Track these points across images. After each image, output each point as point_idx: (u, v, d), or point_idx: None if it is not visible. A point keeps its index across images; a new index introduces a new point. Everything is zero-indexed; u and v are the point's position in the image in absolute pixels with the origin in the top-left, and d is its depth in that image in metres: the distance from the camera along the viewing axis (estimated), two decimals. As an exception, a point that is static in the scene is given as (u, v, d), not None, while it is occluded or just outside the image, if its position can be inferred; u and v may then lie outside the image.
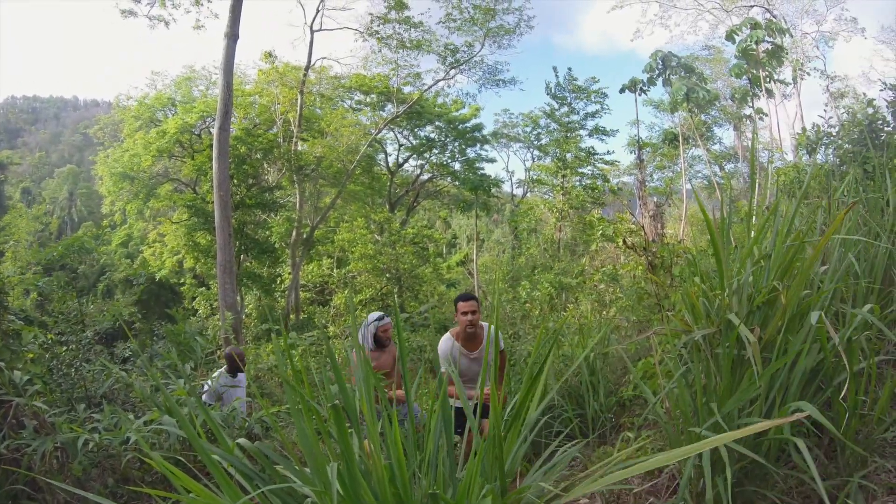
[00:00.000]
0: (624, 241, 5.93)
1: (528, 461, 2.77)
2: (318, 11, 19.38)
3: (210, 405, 4.32)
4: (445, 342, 3.74)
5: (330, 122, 20.97)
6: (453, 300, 3.86)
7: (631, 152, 27.89)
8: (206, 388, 4.47)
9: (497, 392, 2.88)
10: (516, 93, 60.27)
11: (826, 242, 1.89)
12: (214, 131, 12.10)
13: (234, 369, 4.87)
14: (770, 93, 22.70)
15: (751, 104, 24.77)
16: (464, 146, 25.00)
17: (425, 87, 22.21)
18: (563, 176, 23.63)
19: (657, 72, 24.89)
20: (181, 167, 21.46)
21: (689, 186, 27.14)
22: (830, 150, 9.24)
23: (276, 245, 20.65)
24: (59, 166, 65.42)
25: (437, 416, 1.69)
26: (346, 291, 18.46)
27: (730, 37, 22.47)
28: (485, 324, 3.86)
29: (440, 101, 24.64)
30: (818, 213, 2.80)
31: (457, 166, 25.32)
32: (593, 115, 25.09)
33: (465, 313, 3.65)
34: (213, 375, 4.77)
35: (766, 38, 21.40)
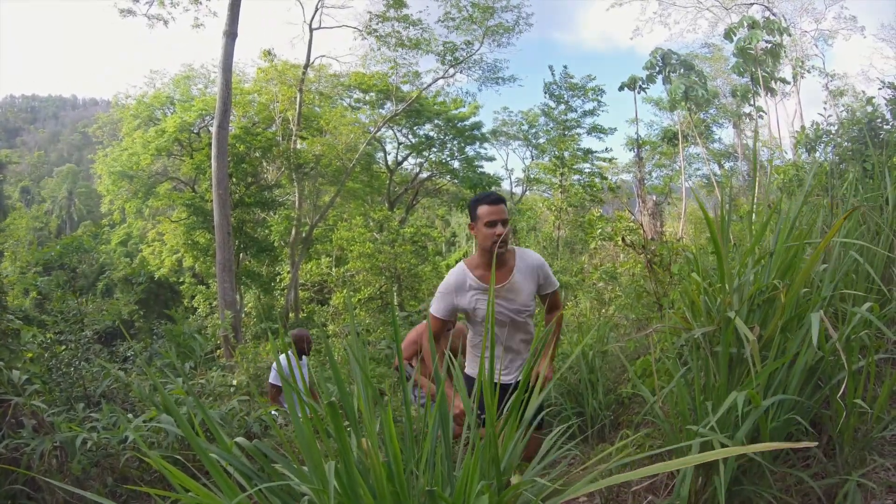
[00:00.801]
0: (623, 240, 5.92)
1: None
2: (316, 9, 19.37)
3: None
4: (456, 275, 2.42)
5: (329, 120, 20.95)
6: (468, 204, 2.44)
7: (630, 150, 27.91)
8: (275, 370, 4.52)
9: (547, 362, 2.26)
10: (516, 90, 60.54)
11: (827, 244, 1.89)
12: (213, 130, 12.08)
13: (300, 352, 4.97)
14: (772, 91, 22.68)
15: (751, 102, 24.77)
16: (463, 144, 24.98)
17: (424, 85, 22.21)
18: (562, 174, 23.62)
19: (656, 69, 24.90)
20: (180, 166, 21.45)
21: (688, 185, 27.17)
22: (829, 149, 9.24)
23: (276, 243, 20.65)
24: (57, 165, 65.35)
25: (435, 414, 1.68)
26: (344, 290, 18.45)
27: (728, 35, 22.47)
28: (519, 248, 2.50)
29: (440, 99, 24.62)
30: (819, 212, 2.81)
31: (456, 164, 25.31)
32: (591, 112, 25.10)
33: (490, 224, 2.31)
34: (282, 357, 4.81)
35: (765, 38, 21.39)
